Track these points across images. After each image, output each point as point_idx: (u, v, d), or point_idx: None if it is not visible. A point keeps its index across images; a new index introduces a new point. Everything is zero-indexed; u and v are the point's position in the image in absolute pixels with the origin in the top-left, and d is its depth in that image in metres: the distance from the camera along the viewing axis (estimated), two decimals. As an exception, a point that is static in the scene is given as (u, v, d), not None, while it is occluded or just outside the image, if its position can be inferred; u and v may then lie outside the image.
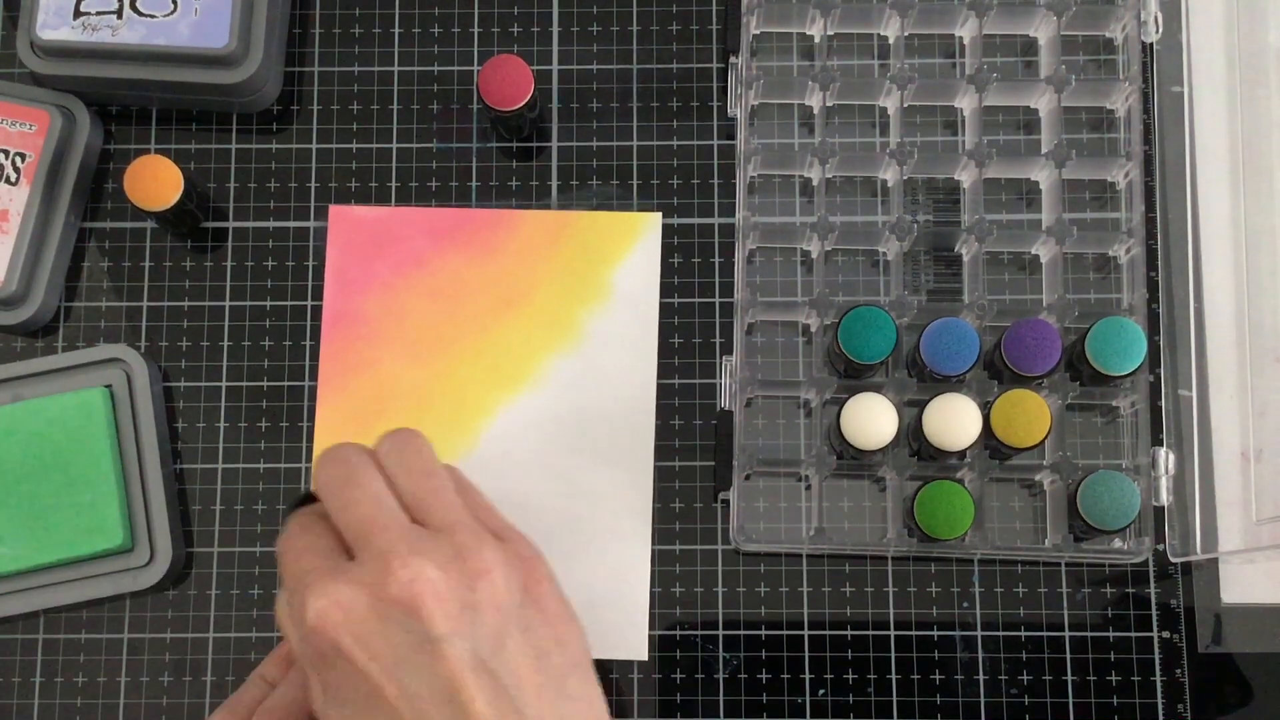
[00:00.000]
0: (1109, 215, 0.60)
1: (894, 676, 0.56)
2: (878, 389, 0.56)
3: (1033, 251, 0.59)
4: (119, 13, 0.57)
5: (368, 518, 0.43)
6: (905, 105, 0.59)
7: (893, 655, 0.57)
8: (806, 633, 0.57)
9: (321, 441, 0.58)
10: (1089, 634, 0.57)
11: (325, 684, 0.43)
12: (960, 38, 0.61)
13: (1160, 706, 0.56)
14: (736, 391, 0.56)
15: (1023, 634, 0.57)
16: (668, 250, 0.60)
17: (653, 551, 0.57)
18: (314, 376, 0.59)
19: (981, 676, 0.56)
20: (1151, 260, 0.59)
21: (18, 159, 0.57)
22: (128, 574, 0.56)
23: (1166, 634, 0.57)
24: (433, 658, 0.40)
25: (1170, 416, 0.58)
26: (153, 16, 0.57)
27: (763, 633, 0.57)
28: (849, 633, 0.57)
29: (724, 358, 0.57)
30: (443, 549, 0.42)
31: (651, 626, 0.57)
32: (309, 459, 0.58)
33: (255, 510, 0.58)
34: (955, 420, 0.54)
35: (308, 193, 0.60)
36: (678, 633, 0.57)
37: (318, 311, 0.59)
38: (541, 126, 0.61)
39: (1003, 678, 0.56)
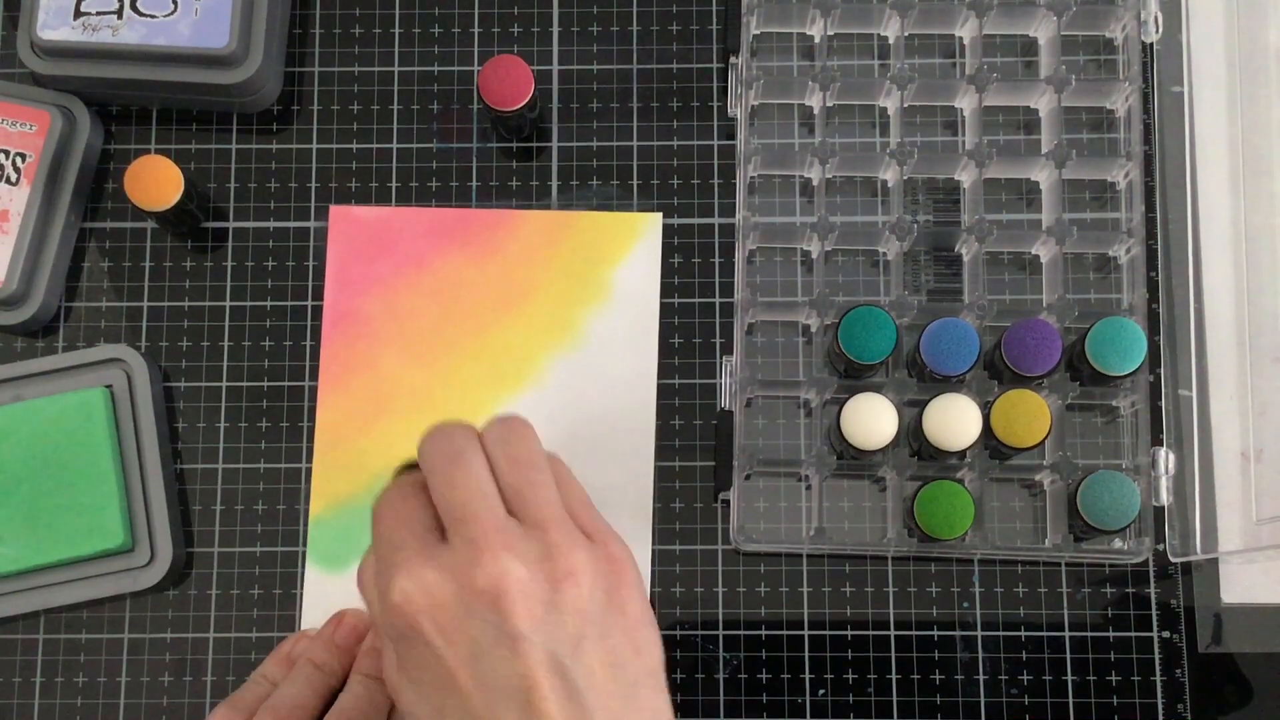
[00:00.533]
0: (1109, 215, 0.60)
1: (894, 676, 0.56)
2: (878, 389, 0.56)
3: (1033, 251, 0.59)
4: (119, 13, 0.57)
5: (466, 503, 0.43)
6: (905, 105, 0.59)
7: (893, 655, 0.57)
8: (806, 633, 0.57)
9: (322, 442, 0.58)
10: (1089, 634, 0.57)
11: (402, 658, 0.44)
12: (960, 38, 0.61)
13: (1160, 706, 0.56)
14: (736, 391, 0.56)
15: (1023, 634, 0.57)
16: (668, 250, 0.60)
17: (653, 551, 0.57)
18: (314, 376, 0.59)
19: (981, 676, 0.56)
20: (1151, 260, 0.59)
21: (18, 159, 0.57)
22: (128, 574, 0.56)
23: (1166, 634, 0.57)
24: (510, 653, 0.41)
25: (1170, 416, 0.58)
26: (153, 16, 0.57)
27: (763, 633, 0.57)
28: (849, 633, 0.57)
29: (724, 358, 0.57)
30: (533, 546, 0.43)
31: (651, 626, 0.57)
32: (309, 459, 0.58)
33: (255, 510, 0.58)
34: (955, 420, 0.54)
35: (308, 193, 0.60)
36: (678, 633, 0.57)
37: (318, 311, 0.59)
38: (541, 126, 0.61)
39: (1003, 678, 0.56)
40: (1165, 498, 0.56)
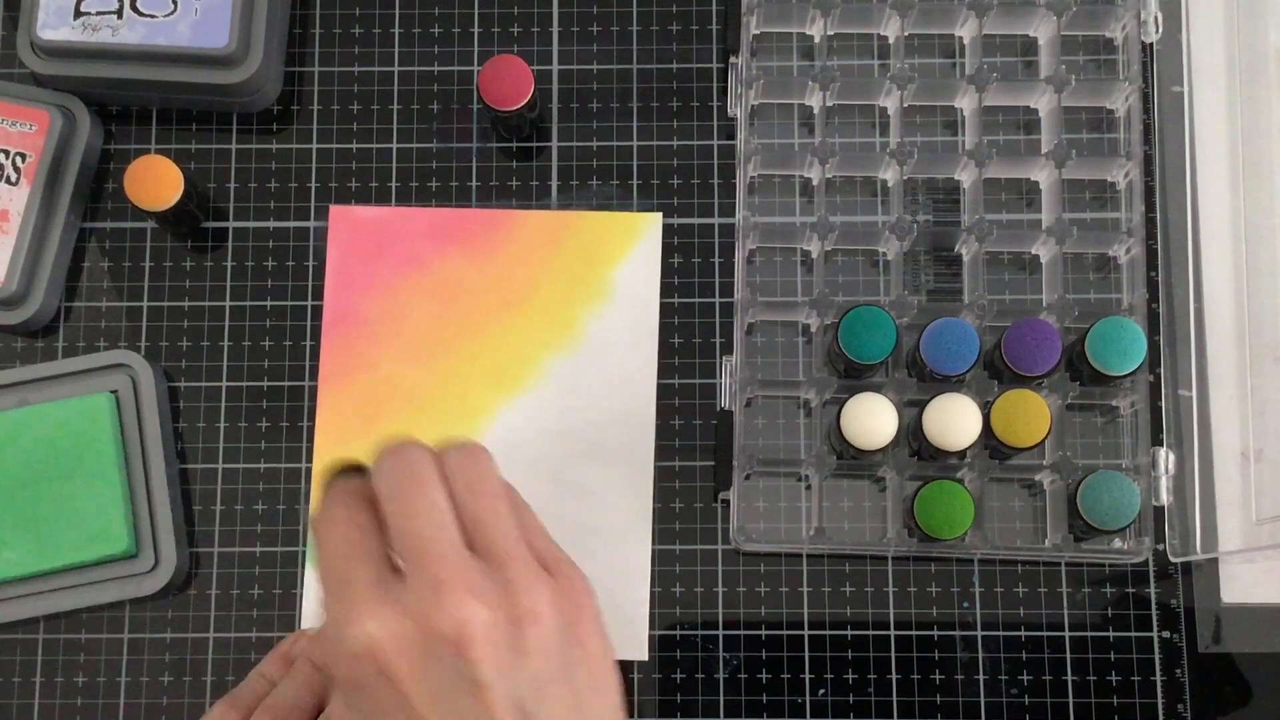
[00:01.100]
0: (1109, 215, 0.60)
1: (894, 676, 0.56)
2: (878, 389, 0.56)
3: (1033, 251, 0.59)
4: (119, 13, 0.57)
5: (426, 537, 0.42)
6: (905, 105, 0.59)
7: (893, 655, 0.57)
8: (806, 633, 0.57)
9: (322, 442, 0.58)
10: (1089, 634, 0.57)
11: (351, 702, 0.43)
12: (960, 38, 0.61)
13: (1160, 706, 0.56)
14: (736, 391, 0.56)
15: (1023, 634, 0.57)
16: (668, 250, 0.60)
17: (653, 551, 0.57)
18: (314, 376, 0.59)
19: (981, 676, 0.56)
20: (1151, 260, 0.59)
21: (18, 159, 0.57)
22: (132, 580, 0.56)
23: (1166, 634, 0.57)
24: (475, 700, 0.40)
25: (1170, 416, 0.58)
26: (153, 16, 0.57)
27: (763, 633, 0.57)
28: (849, 633, 0.57)
29: (724, 358, 0.57)
30: (496, 587, 0.42)
31: (651, 626, 0.57)
32: (309, 459, 0.58)
33: (255, 510, 0.58)
34: (955, 420, 0.54)
35: (308, 193, 0.60)
36: (678, 633, 0.57)
37: (318, 311, 0.59)
38: (541, 126, 0.61)
39: (1003, 678, 0.56)
40: (1165, 498, 0.56)
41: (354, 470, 0.45)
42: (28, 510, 0.55)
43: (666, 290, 0.59)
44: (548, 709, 0.41)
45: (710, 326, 0.59)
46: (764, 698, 0.56)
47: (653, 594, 0.57)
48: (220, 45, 0.57)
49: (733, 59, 0.59)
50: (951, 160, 0.59)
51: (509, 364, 0.58)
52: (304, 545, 0.58)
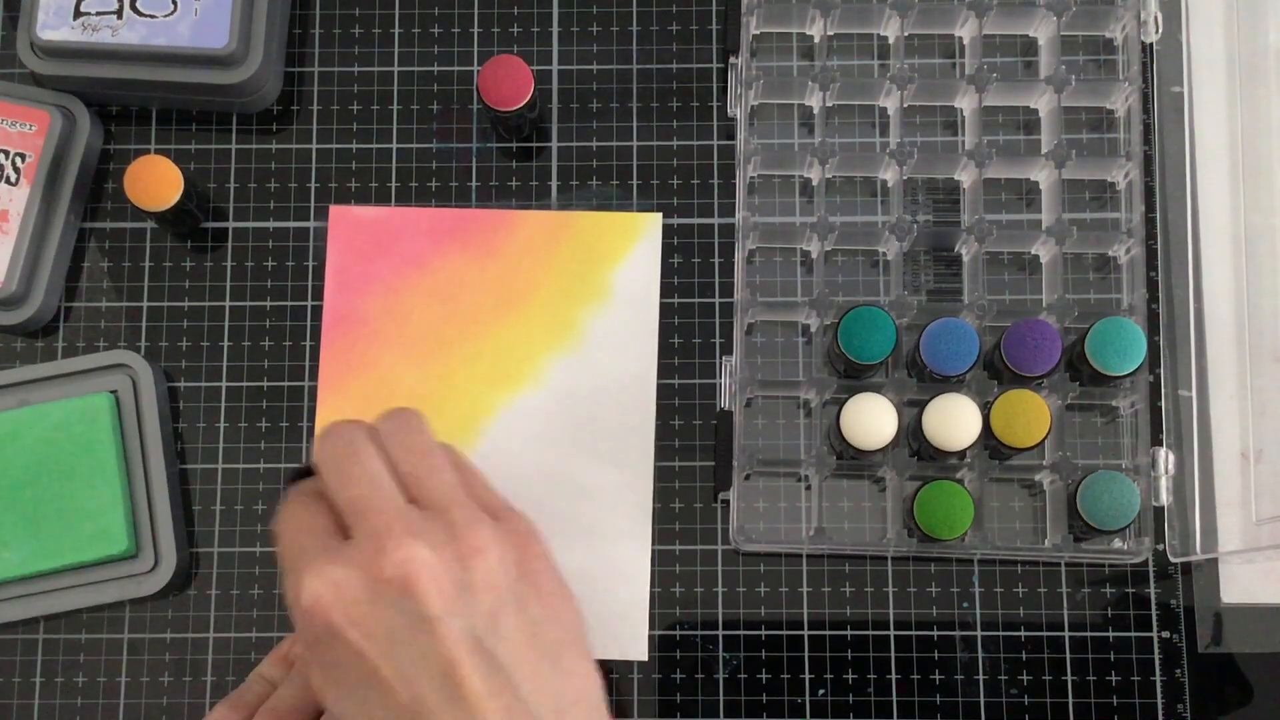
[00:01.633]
0: (1109, 215, 0.60)
1: (894, 676, 0.56)
2: (878, 389, 0.56)
3: (1033, 251, 0.59)
4: (119, 13, 0.57)
5: (364, 496, 0.43)
6: (905, 105, 0.59)
7: (893, 655, 0.57)
8: (806, 633, 0.57)
9: None
10: (1089, 634, 0.57)
11: (322, 664, 0.43)
12: (960, 38, 0.61)
13: (1160, 706, 0.56)
14: (736, 391, 0.56)
15: (1023, 634, 0.57)
16: (668, 250, 0.60)
17: (653, 551, 0.57)
18: (314, 376, 0.59)
19: (981, 676, 0.56)
20: (1151, 260, 0.59)
21: (18, 159, 0.57)
22: (131, 580, 0.56)
23: (1166, 634, 0.57)
24: (428, 637, 0.41)
25: (1170, 416, 0.58)
26: (153, 17, 0.57)
27: (763, 633, 0.57)
28: (849, 633, 0.57)
29: (724, 358, 0.57)
30: (437, 529, 0.43)
31: (651, 626, 0.57)
32: (309, 459, 0.58)
33: (255, 510, 0.58)
34: (955, 420, 0.54)
35: (308, 193, 0.60)
36: (678, 633, 0.57)
37: (318, 311, 0.59)
38: (541, 126, 0.61)
39: (1003, 678, 0.56)
40: (1165, 498, 0.56)
41: (304, 474, 0.47)
42: (28, 510, 0.55)
43: (666, 290, 0.59)
44: (503, 639, 0.42)
45: (710, 326, 0.59)
46: (764, 698, 0.56)
47: (653, 594, 0.57)
48: (220, 45, 0.57)
49: (733, 59, 0.59)
50: (951, 160, 0.59)
51: (509, 364, 0.58)
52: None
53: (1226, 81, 0.60)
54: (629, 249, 0.59)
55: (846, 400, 0.55)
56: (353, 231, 0.60)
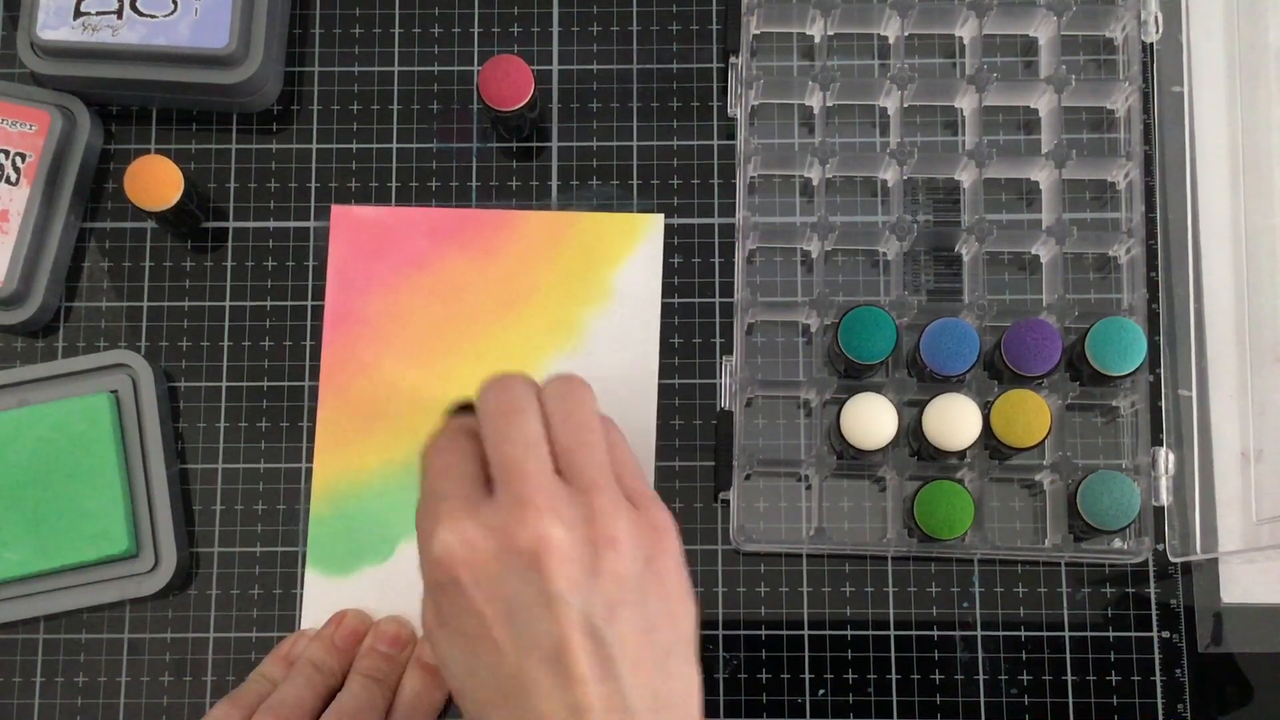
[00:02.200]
0: (1109, 215, 0.60)
1: (894, 676, 0.56)
2: (878, 389, 0.56)
3: (1033, 251, 0.59)
4: (119, 13, 0.57)
5: (516, 458, 0.44)
6: (905, 105, 0.59)
7: (893, 655, 0.57)
8: (806, 633, 0.57)
9: (322, 442, 0.58)
10: (1089, 634, 0.57)
11: (439, 607, 0.44)
12: (960, 38, 0.61)
13: (1160, 706, 0.56)
14: (736, 391, 0.56)
15: (1023, 634, 0.57)
16: (668, 250, 0.60)
17: (653, 551, 0.57)
18: (314, 376, 0.59)
19: (981, 676, 0.56)
20: (1151, 260, 0.59)
21: (18, 159, 0.57)
22: (132, 580, 0.56)
23: (1166, 634, 0.57)
24: (547, 613, 0.41)
25: (1170, 416, 0.58)
26: (153, 16, 0.57)
27: (763, 633, 0.57)
28: (849, 633, 0.57)
29: (724, 358, 0.57)
30: (578, 510, 0.43)
31: (652, 626, 0.57)
32: (309, 459, 0.58)
33: (255, 510, 0.58)
34: (955, 420, 0.54)
35: (308, 193, 0.60)
36: (678, 633, 0.57)
37: (318, 311, 0.59)
38: (541, 126, 0.61)
39: (1003, 678, 0.56)
40: (1165, 498, 0.56)
41: (464, 409, 0.47)
42: (28, 510, 0.55)
43: (667, 290, 0.59)
44: (618, 631, 0.42)
45: (710, 326, 0.59)
46: (764, 698, 0.56)
47: (653, 594, 0.57)
48: (220, 45, 0.57)
49: (733, 59, 0.59)
50: (951, 160, 0.59)
51: (510, 364, 0.58)
52: (304, 545, 0.58)
53: (1226, 81, 0.60)
54: (630, 250, 0.59)
55: (846, 400, 0.55)
56: (354, 231, 0.60)
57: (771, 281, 0.59)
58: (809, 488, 0.58)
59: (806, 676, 0.56)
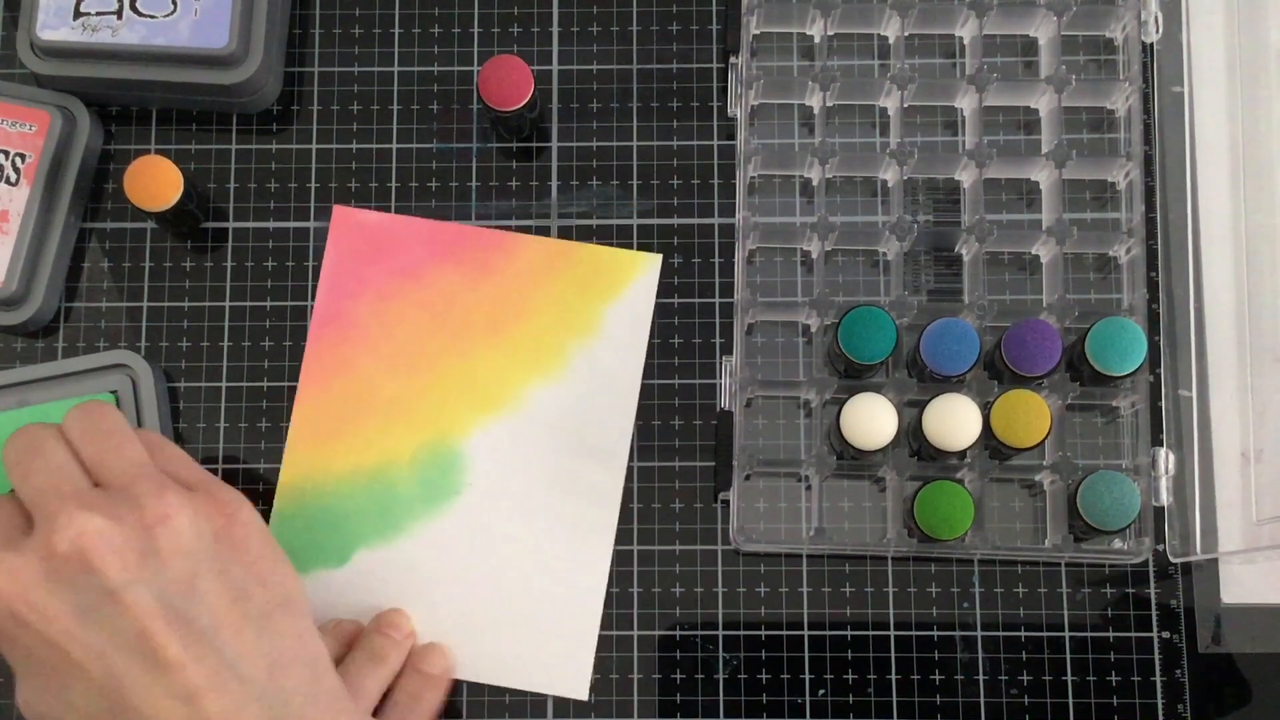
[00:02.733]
0: (1109, 215, 0.60)
1: (894, 676, 0.56)
2: (878, 389, 0.56)
3: (1033, 251, 0.59)
4: (119, 13, 0.57)
5: (44, 485, 0.43)
6: (905, 105, 0.59)
7: (893, 655, 0.57)
8: (806, 633, 0.57)
9: (294, 439, 0.58)
10: (1089, 634, 0.57)
11: (15, 661, 0.43)
12: (960, 38, 0.61)
13: (1160, 706, 0.56)
14: (736, 391, 0.56)
15: (1023, 634, 0.57)
16: (668, 250, 0.60)
17: (653, 551, 0.57)
18: (314, 377, 0.59)
19: (981, 676, 0.56)
20: (1151, 260, 0.59)
21: (18, 159, 0.57)
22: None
23: (1166, 634, 0.57)
24: (115, 609, 0.40)
25: (1170, 416, 0.58)
26: (153, 17, 0.57)
27: (763, 633, 0.57)
28: (849, 633, 0.57)
29: (724, 358, 0.57)
30: (117, 501, 0.42)
31: (651, 627, 0.57)
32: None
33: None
34: (955, 420, 0.54)
35: (308, 193, 0.60)
36: (677, 633, 0.57)
37: (318, 312, 0.59)
38: (541, 126, 0.61)
39: (1003, 678, 0.56)
40: (1165, 498, 0.56)
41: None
42: (28, 510, 0.55)
43: (666, 290, 0.59)
44: (203, 603, 0.41)
45: (710, 326, 0.59)
46: (764, 698, 0.56)
47: (652, 594, 0.57)
48: (220, 45, 0.57)
49: (733, 59, 0.59)
50: (951, 160, 0.59)
51: (490, 386, 0.58)
52: (304, 545, 0.58)
53: (1226, 81, 0.60)
54: (624, 286, 0.59)
55: (846, 400, 0.55)
56: (353, 233, 0.60)
57: (771, 281, 0.59)
58: (809, 488, 0.58)
59: (806, 677, 0.56)
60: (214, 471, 0.58)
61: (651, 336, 0.59)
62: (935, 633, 0.57)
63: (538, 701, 0.56)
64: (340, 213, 0.60)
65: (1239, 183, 0.59)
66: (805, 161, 0.59)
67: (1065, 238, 0.57)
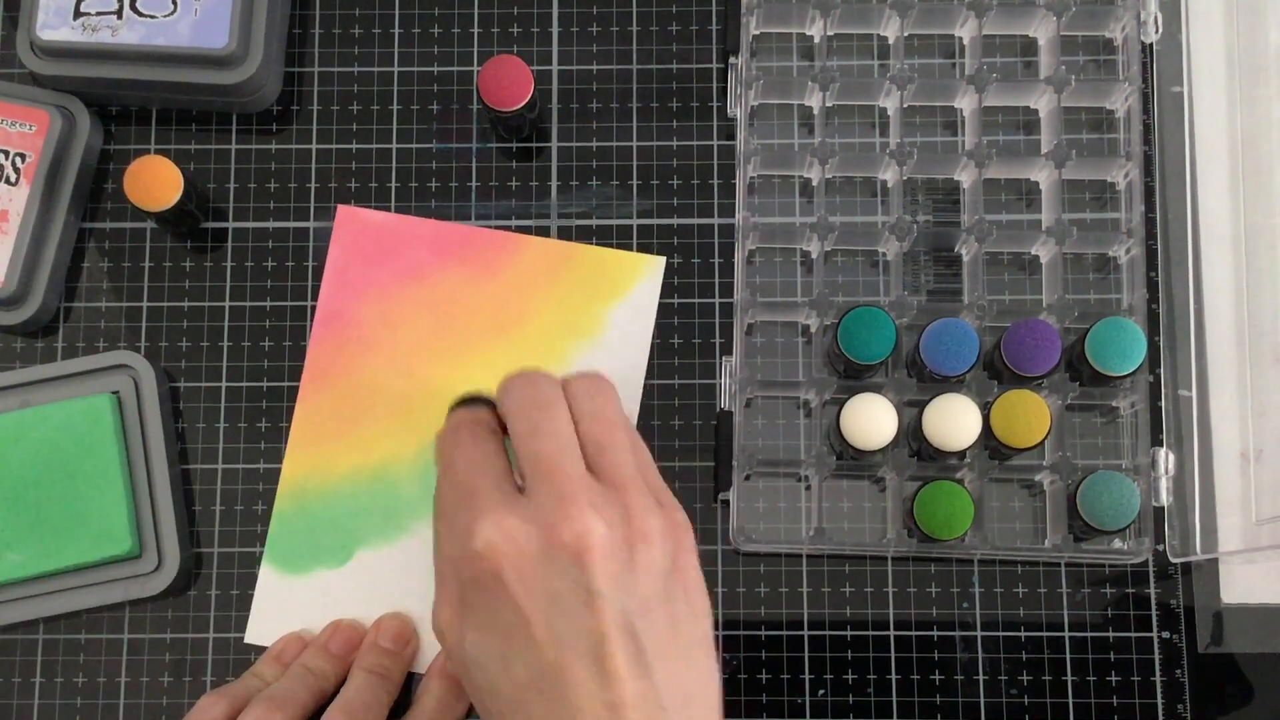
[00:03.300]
0: (1109, 215, 0.60)
1: (894, 676, 0.56)
2: (878, 389, 0.56)
3: (1033, 251, 0.59)
4: (119, 13, 0.57)
5: (551, 455, 0.44)
6: (905, 105, 0.59)
7: (893, 655, 0.57)
8: (806, 633, 0.57)
9: (296, 438, 0.58)
10: (1089, 634, 0.57)
11: (469, 603, 0.45)
12: (960, 38, 0.61)
13: (1160, 706, 0.56)
14: (736, 391, 0.56)
15: (1023, 634, 0.57)
16: (668, 250, 0.60)
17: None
18: (314, 377, 0.59)
19: (981, 676, 0.56)
20: (1151, 260, 0.59)
21: (18, 159, 0.57)
22: (135, 580, 0.56)
23: (1166, 634, 0.57)
24: (587, 608, 0.42)
25: (1170, 416, 0.58)
26: (153, 17, 0.57)
27: (762, 633, 0.57)
28: (849, 633, 0.57)
29: (724, 358, 0.57)
30: (614, 508, 0.44)
31: (651, 626, 0.57)
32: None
33: (255, 511, 0.58)
34: (955, 420, 0.54)
35: (308, 193, 0.60)
36: (678, 633, 0.57)
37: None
38: (541, 126, 0.61)
39: (1003, 678, 0.56)
40: (1165, 498, 0.56)
41: (477, 402, 0.48)
42: (31, 512, 0.55)
43: (667, 290, 0.59)
44: (650, 628, 0.43)
45: (710, 326, 0.59)
46: (764, 698, 0.56)
47: (653, 594, 0.57)
48: (220, 45, 0.57)
49: (733, 59, 0.59)
50: (951, 160, 0.59)
51: (492, 386, 0.58)
52: (261, 544, 0.58)
53: (1226, 81, 0.60)
54: (628, 289, 0.59)
55: (846, 400, 0.55)
56: (357, 233, 0.60)
57: (771, 282, 0.59)
58: (809, 488, 0.58)
59: (806, 677, 0.56)
60: (214, 471, 0.58)
61: (652, 337, 0.59)
62: (935, 633, 0.57)
63: (538, 701, 0.56)
64: (344, 212, 0.60)
65: (1239, 183, 0.59)
66: (805, 161, 0.59)
67: (1065, 238, 0.57)
